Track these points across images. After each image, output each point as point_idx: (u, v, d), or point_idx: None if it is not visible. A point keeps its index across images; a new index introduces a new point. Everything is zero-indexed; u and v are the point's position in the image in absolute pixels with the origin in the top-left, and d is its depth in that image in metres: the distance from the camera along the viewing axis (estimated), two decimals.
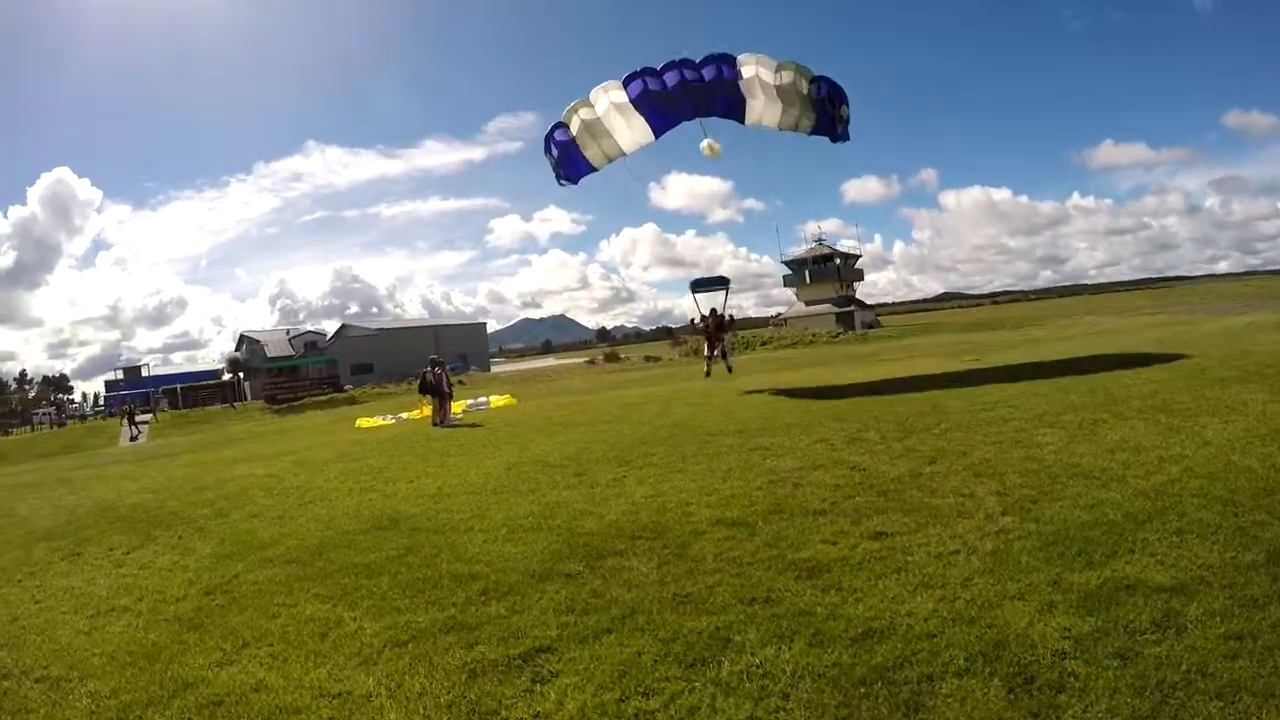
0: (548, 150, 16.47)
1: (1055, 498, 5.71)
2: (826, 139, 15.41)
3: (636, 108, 15.11)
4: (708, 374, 19.90)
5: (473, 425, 17.20)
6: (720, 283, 18.81)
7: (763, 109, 14.97)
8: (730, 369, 20.38)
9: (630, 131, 15.74)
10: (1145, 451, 6.75)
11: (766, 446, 9.07)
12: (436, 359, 20.23)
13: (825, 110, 14.54)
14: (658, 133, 15.86)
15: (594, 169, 16.72)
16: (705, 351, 19.69)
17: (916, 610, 4.03)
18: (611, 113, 15.46)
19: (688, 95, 14.84)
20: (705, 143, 15.50)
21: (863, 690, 3.33)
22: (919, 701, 3.20)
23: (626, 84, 15.12)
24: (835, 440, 8.98)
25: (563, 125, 16.10)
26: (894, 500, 6.18)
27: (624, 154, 16.36)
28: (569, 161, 16.52)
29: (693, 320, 19.55)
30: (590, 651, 4.04)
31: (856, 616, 4.04)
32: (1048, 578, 4.23)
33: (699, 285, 18.71)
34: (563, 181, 17.10)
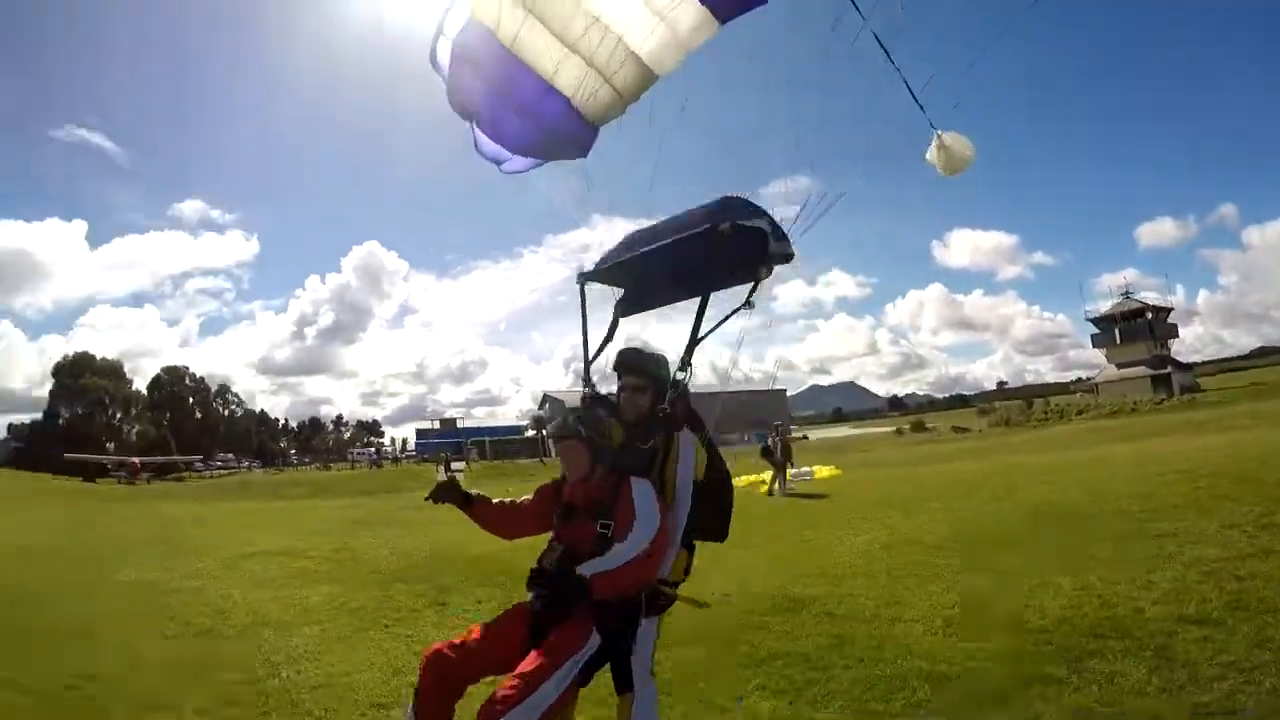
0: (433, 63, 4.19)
1: None
2: None
3: None
4: None
5: (813, 496, 16.97)
6: (683, 281, 3.98)
7: None
8: None
9: None
10: None
11: (1168, 533, 8.16)
12: (780, 424, 19.73)
13: None
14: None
15: (591, 124, 4.09)
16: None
17: None
18: None
19: None
20: (932, 151, 4.47)
21: None
22: None
23: None
24: (1245, 525, 7.95)
25: None
26: None
27: (652, 72, 3.80)
28: (491, 90, 3.98)
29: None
30: None
31: None
32: None
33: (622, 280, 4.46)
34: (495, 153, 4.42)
